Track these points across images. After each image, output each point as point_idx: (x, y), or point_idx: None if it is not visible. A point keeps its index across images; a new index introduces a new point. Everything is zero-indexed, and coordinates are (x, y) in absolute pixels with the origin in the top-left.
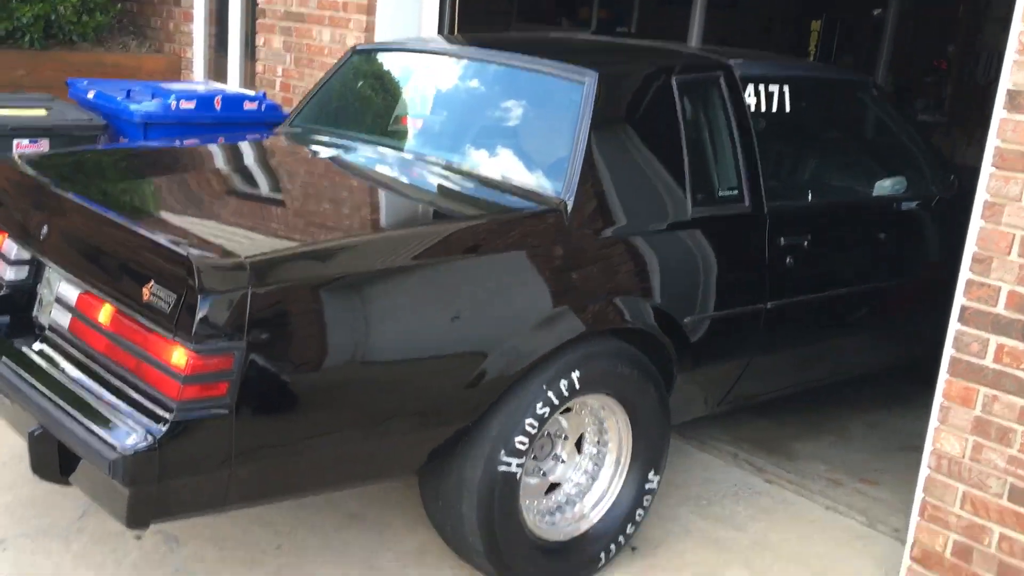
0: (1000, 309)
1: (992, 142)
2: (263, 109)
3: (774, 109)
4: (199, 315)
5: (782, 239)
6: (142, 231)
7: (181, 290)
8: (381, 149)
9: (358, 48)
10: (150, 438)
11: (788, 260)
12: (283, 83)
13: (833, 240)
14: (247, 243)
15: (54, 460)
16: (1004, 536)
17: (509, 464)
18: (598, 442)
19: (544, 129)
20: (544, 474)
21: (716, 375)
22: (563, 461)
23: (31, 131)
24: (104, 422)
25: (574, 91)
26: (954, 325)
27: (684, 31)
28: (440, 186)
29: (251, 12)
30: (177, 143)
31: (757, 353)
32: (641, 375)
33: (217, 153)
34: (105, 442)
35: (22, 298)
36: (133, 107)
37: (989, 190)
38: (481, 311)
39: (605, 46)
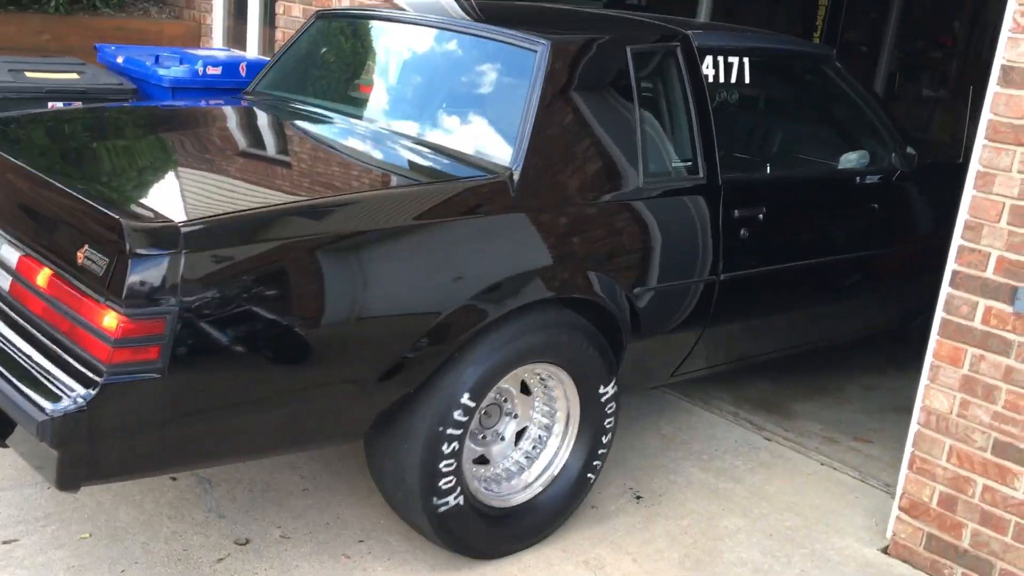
0: (989, 274)
1: (986, 115)
2: None
3: (733, 80)
4: (130, 279)
5: (736, 211)
6: (78, 194)
7: (113, 253)
8: (335, 116)
9: (320, 13)
10: (80, 401)
11: (743, 232)
12: None
13: (790, 213)
14: (182, 207)
15: None
16: (987, 487)
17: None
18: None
19: (495, 98)
20: (502, 438)
21: (668, 345)
22: (515, 417)
23: (66, 94)
24: (36, 385)
25: (526, 59)
26: (945, 288)
27: (695, 5)
28: (387, 153)
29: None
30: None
31: (711, 324)
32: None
33: (171, 117)
34: (36, 405)
35: None
36: (162, 72)
37: (982, 161)
38: (422, 279)
39: (563, 14)
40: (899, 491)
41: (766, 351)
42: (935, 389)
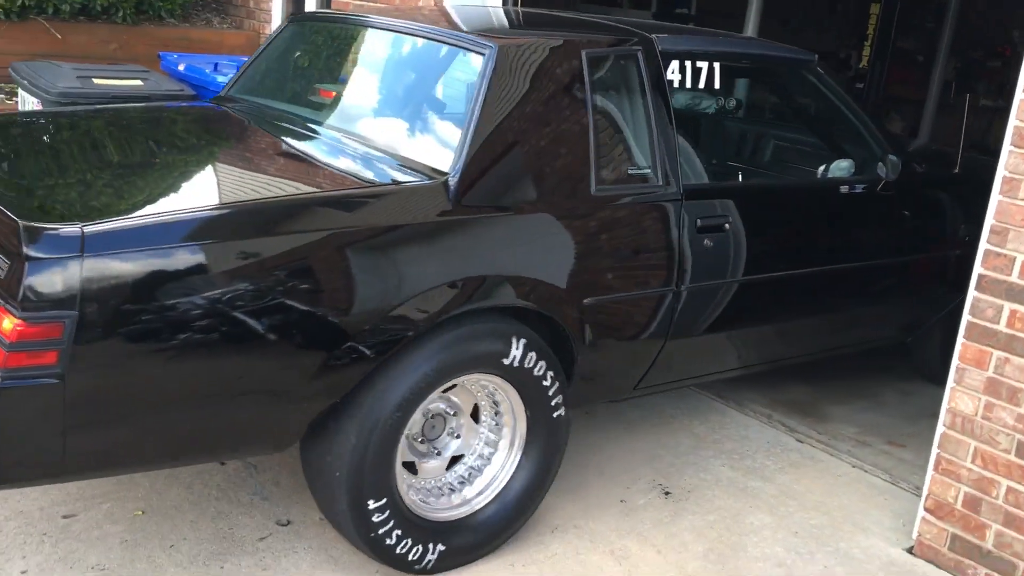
0: (1014, 278)
1: (1012, 122)
2: None
3: (701, 86)
4: (26, 282)
5: (699, 220)
6: None
7: (14, 257)
8: (291, 120)
9: (293, 16)
10: None
11: (706, 242)
12: None
13: (760, 223)
14: (87, 211)
15: None
16: (1011, 488)
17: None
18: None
19: (444, 101)
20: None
21: (626, 358)
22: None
23: (130, 100)
24: None
25: (474, 63)
26: (971, 292)
27: (743, 14)
28: (331, 157)
29: None
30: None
31: (674, 337)
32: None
33: (119, 120)
34: None
35: None
36: (220, 79)
37: (1007, 166)
38: (348, 285)
39: (531, 17)
40: (925, 492)
41: (738, 365)
42: (960, 391)
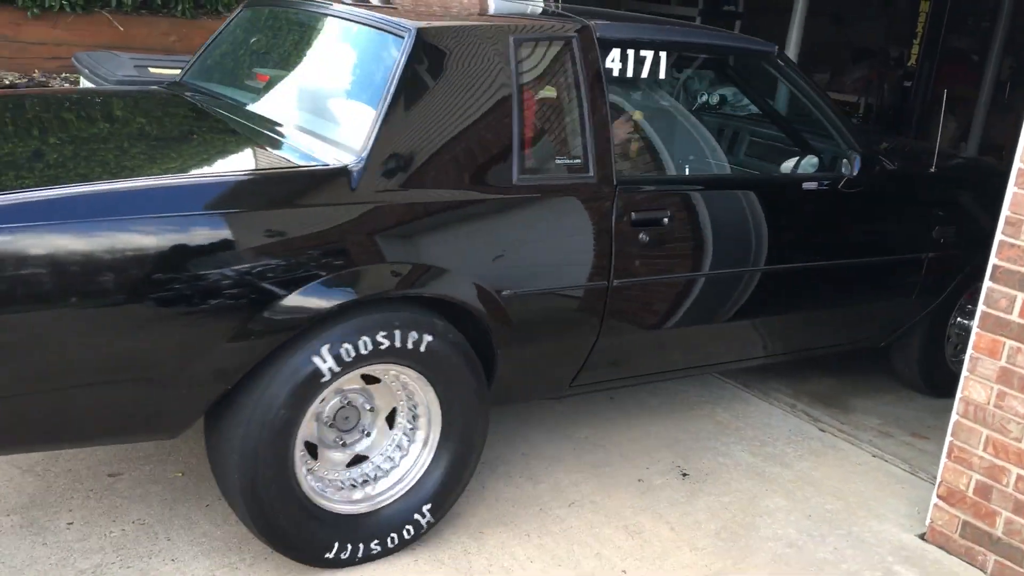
0: None
1: None
2: None
3: (644, 76)
4: None
5: (634, 214)
6: None
7: None
8: (223, 104)
9: (248, 3)
10: None
11: (642, 237)
12: None
13: (705, 219)
14: None
15: None
16: (1021, 477)
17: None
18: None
19: (362, 85)
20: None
21: (552, 353)
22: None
23: None
24: None
25: (393, 46)
26: (986, 283)
27: (789, 11)
28: (245, 140)
29: None
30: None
31: (607, 333)
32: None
33: (60, 102)
34: None
35: None
36: None
37: (1023, 159)
38: (242, 268)
39: (441, 3)
40: (938, 479)
41: (685, 365)
42: (974, 380)
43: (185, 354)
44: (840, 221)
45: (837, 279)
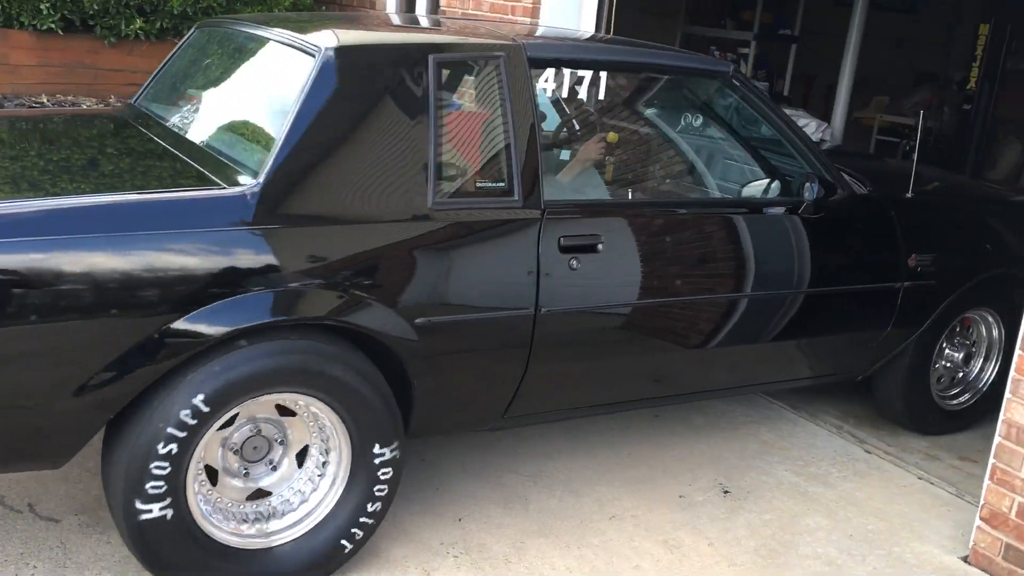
0: None
1: None
2: None
3: (581, 96)
4: None
5: (563, 239)
6: None
7: None
8: (152, 125)
9: (200, 23)
10: None
11: (572, 263)
12: None
13: (644, 244)
14: None
15: None
16: None
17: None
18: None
19: (273, 106)
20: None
21: (476, 384)
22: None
23: None
24: None
25: (304, 65)
26: None
27: (844, 35)
28: (149, 162)
29: (434, 13)
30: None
31: (538, 362)
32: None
33: (20, 121)
34: None
35: None
36: None
37: None
38: (126, 292)
39: (378, 21)
40: (981, 501)
41: (633, 397)
42: (1016, 402)
43: (57, 383)
44: (799, 248)
45: (795, 309)
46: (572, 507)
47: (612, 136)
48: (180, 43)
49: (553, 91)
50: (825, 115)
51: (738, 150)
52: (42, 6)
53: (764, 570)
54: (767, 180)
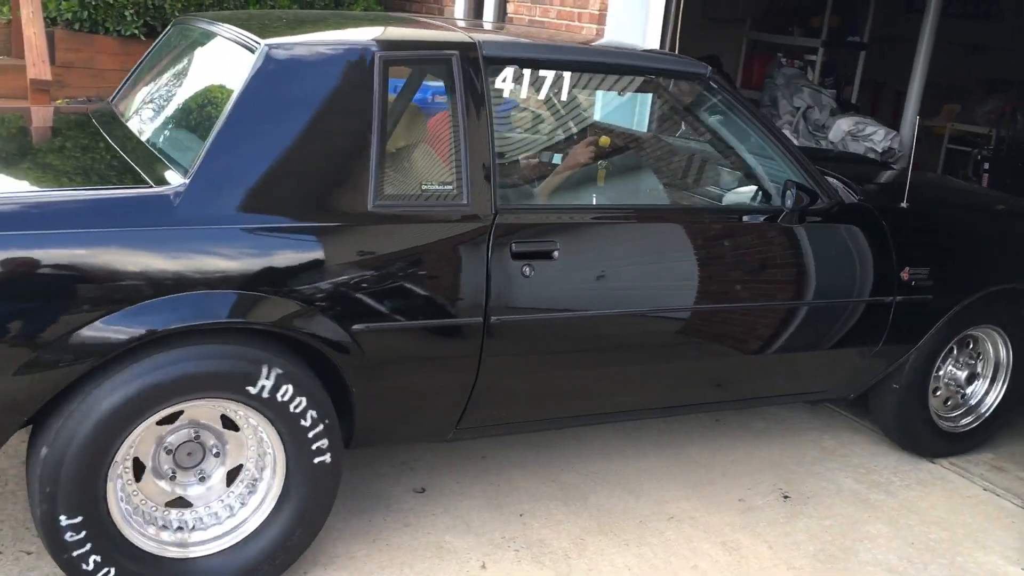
0: None
1: None
2: None
3: (542, 97)
4: None
5: (515, 245)
6: None
7: None
8: (108, 123)
9: (176, 20)
10: None
11: (525, 270)
12: None
13: (603, 252)
14: None
15: None
16: None
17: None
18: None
19: (214, 104)
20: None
21: (425, 394)
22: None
23: None
24: None
25: (244, 62)
26: None
27: (915, 37)
28: (92, 160)
29: (501, 19)
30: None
31: (487, 373)
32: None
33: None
34: None
35: None
36: None
37: None
38: (52, 290)
39: (335, 18)
40: None
41: (589, 411)
42: None
43: None
44: (776, 258)
45: (771, 323)
46: (631, 507)
47: (604, 140)
48: (156, 41)
49: (511, 91)
50: (894, 123)
51: (717, 155)
52: (126, 12)
53: (824, 575)
54: (747, 187)
